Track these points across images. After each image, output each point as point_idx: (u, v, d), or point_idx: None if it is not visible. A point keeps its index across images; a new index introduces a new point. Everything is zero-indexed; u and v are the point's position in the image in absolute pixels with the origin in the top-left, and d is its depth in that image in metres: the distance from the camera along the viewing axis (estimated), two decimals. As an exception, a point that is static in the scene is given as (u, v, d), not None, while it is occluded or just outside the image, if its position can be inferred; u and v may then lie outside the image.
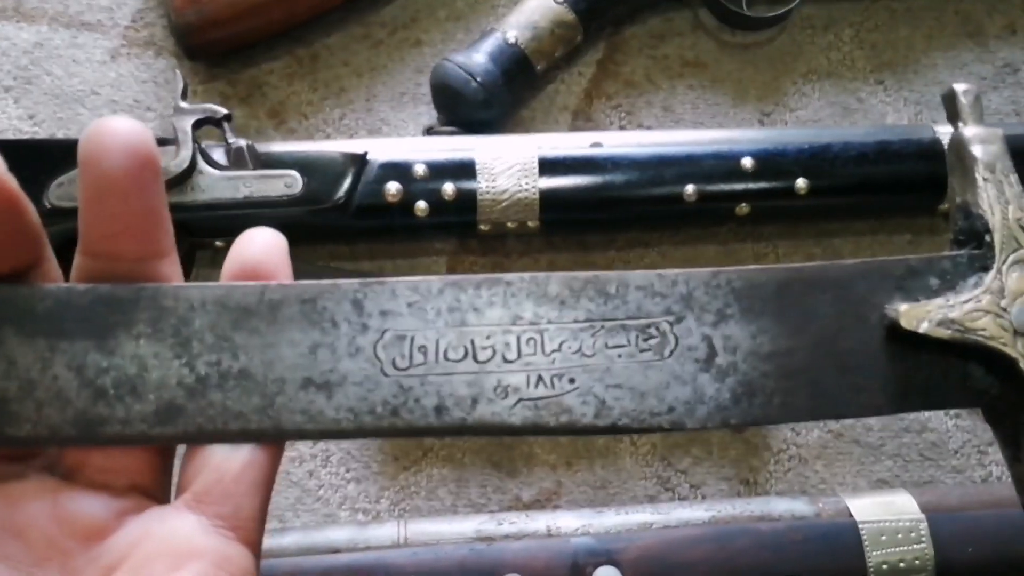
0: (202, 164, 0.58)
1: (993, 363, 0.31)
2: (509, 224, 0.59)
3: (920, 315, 0.31)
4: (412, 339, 0.30)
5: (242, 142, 0.58)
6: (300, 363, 0.30)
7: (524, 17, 0.63)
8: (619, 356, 0.31)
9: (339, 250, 0.63)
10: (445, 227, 0.60)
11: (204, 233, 0.59)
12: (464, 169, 0.59)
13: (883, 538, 0.54)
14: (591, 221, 0.61)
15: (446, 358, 0.30)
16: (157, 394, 0.29)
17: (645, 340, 0.31)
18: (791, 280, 0.32)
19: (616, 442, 0.60)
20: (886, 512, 0.55)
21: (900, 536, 0.54)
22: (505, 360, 0.30)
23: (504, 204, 0.59)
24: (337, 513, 0.58)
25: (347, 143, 0.60)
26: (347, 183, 0.58)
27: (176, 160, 0.57)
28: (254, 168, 0.58)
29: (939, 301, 0.31)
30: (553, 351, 0.31)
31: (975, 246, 0.33)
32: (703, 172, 0.60)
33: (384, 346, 0.30)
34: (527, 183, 0.59)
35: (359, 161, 0.58)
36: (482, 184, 0.58)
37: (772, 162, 0.60)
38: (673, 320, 0.31)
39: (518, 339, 0.30)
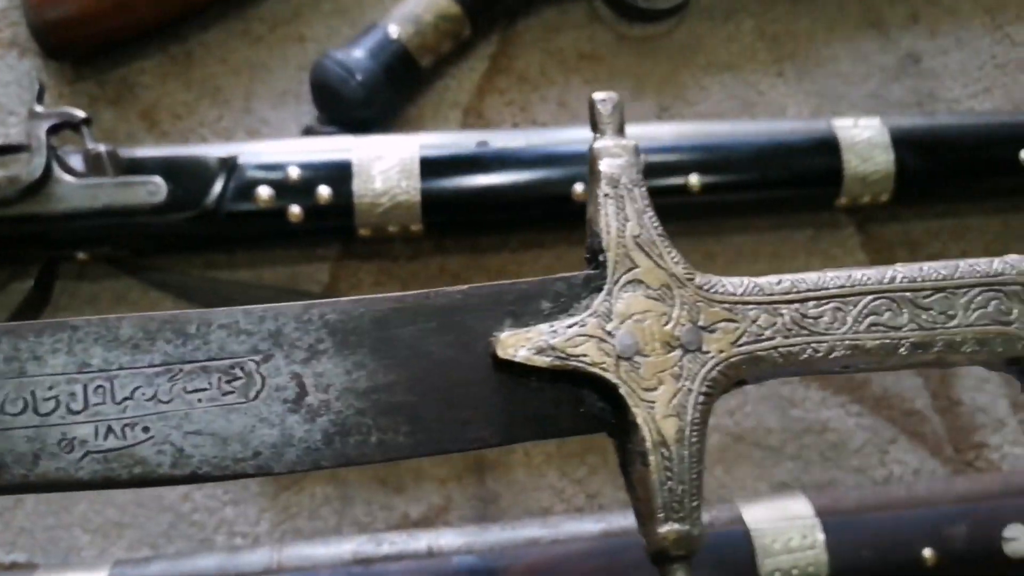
0: (58, 172, 0.54)
1: (602, 389, 0.30)
2: (391, 228, 0.57)
3: (518, 342, 0.29)
4: None
5: (102, 147, 0.54)
6: None
7: (407, 11, 0.61)
8: (199, 401, 0.28)
9: (217, 259, 0.59)
10: (322, 232, 0.57)
11: (64, 245, 0.55)
12: (340, 171, 0.56)
13: (775, 546, 0.52)
14: (479, 223, 0.58)
15: (3, 412, 0.28)
16: None
17: (229, 382, 0.29)
18: (393, 311, 0.30)
19: (508, 453, 0.58)
20: (780, 518, 0.53)
21: (793, 543, 0.52)
22: (71, 411, 0.28)
23: (384, 207, 0.56)
24: (213, 538, 0.55)
25: (218, 146, 0.56)
26: (216, 188, 0.55)
27: (29, 168, 0.54)
28: (115, 175, 0.54)
29: (544, 327, 0.29)
30: (125, 399, 0.28)
31: (595, 265, 0.31)
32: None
33: None
34: (407, 185, 0.56)
35: (229, 165, 0.55)
36: (358, 187, 0.56)
37: (664, 158, 0.58)
38: (260, 359, 0.29)
39: (85, 388, 0.28)
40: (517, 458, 0.58)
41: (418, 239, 0.59)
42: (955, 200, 0.64)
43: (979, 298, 0.31)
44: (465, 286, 0.30)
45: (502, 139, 0.58)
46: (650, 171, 0.57)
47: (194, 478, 0.28)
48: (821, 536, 0.52)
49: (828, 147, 0.59)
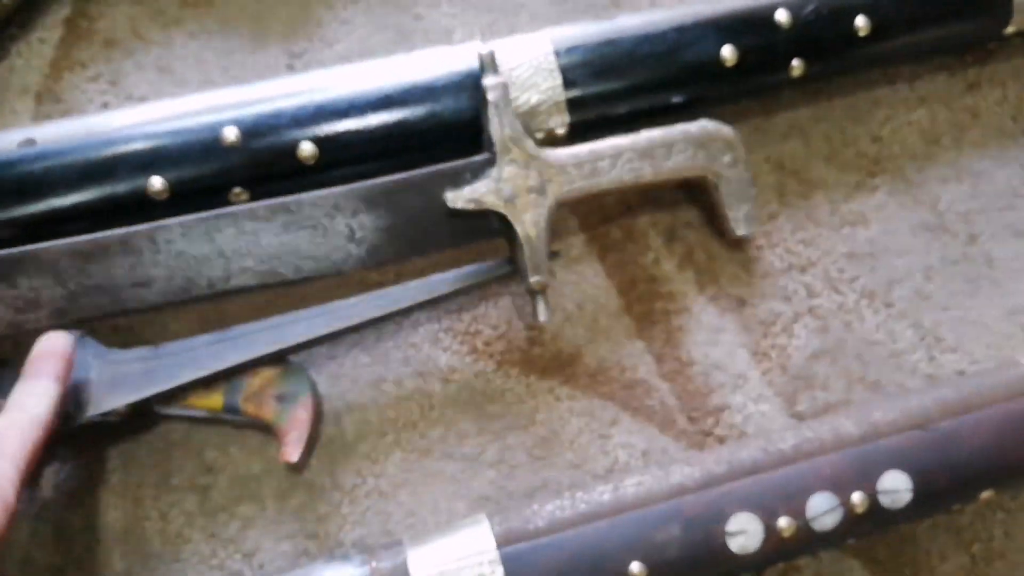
0: None
1: (501, 216, 0.47)
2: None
3: (456, 198, 0.47)
4: None
5: None
6: None
7: (-92, -20, 0.47)
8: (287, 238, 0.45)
9: None
10: None
11: None
12: None
13: (443, 595, 0.42)
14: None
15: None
16: None
17: (314, 229, 0.45)
18: (394, 188, 0.46)
19: (140, 520, 0.47)
20: (453, 558, 0.43)
21: (466, 587, 0.43)
22: None
23: None
24: None
25: None
26: None
27: None
28: None
29: (468, 188, 0.47)
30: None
31: (491, 153, 0.48)
32: (172, 159, 0.45)
33: None
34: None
35: None
36: None
37: (264, 128, 0.46)
38: (329, 218, 0.46)
39: None
40: (152, 525, 0.47)
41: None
42: (656, 119, 0.52)
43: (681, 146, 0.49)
44: (428, 169, 0.47)
45: (55, 132, 0.45)
46: (247, 148, 0.46)
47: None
48: (500, 572, 0.43)
49: (479, 82, 0.48)
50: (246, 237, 0.44)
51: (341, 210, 0.46)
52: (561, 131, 0.49)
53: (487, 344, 0.51)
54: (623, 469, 0.50)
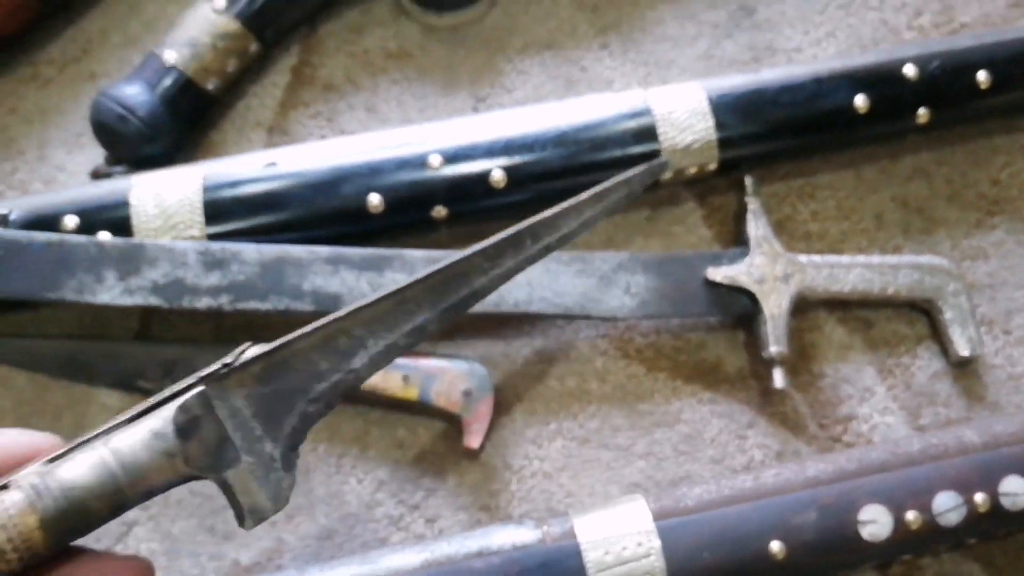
0: None
1: (749, 294, 0.57)
2: (183, 268, 0.54)
3: (716, 273, 0.57)
4: None
5: None
6: None
7: (181, 34, 0.57)
8: (578, 281, 0.56)
9: (19, 317, 0.57)
10: (111, 282, 0.54)
11: None
12: (120, 214, 0.53)
13: (608, 558, 0.48)
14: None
15: None
16: None
17: (600, 279, 0.55)
18: (665, 259, 0.57)
19: (342, 484, 0.55)
20: (615, 527, 0.49)
21: (627, 552, 0.49)
22: None
23: (169, 248, 0.53)
24: (33, 611, 0.53)
25: (-6, 204, 0.54)
26: (-9, 249, 0.53)
27: None
28: None
29: (725, 268, 0.57)
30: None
31: (745, 246, 0.58)
32: (388, 179, 0.54)
33: None
34: (190, 219, 0.53)
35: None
36: (140, 228, 0.53)
37: (463, 157, 0.55)
38: (613, 272, 0.56)
39: None
40: (350, 488, 0.55)
41: (221, 273, 0.56)
42: (794, 159, 0.60)
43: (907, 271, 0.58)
44: (694, 251, 0.60)
45: (292, 157, 0.55)
46: (450, 172, 0.55)
47: (569, 315, 0.56)
48: (657, 542, 0.49)
49: (642, 120, 0.56)
50: (549, 274, 0.54)
51: (623, 268, 0.56)
52: (712, 166, 0.56)
53: (639, 351, 0.58)
54: (759, 467, 0.56)
